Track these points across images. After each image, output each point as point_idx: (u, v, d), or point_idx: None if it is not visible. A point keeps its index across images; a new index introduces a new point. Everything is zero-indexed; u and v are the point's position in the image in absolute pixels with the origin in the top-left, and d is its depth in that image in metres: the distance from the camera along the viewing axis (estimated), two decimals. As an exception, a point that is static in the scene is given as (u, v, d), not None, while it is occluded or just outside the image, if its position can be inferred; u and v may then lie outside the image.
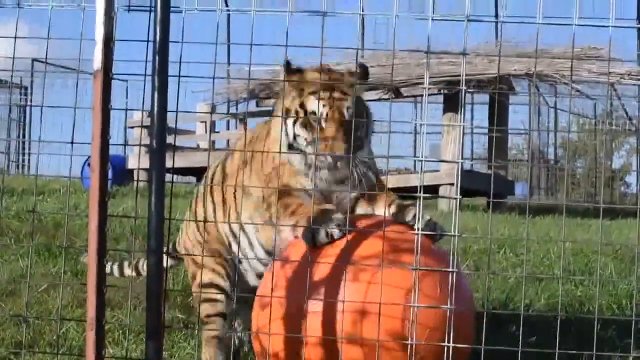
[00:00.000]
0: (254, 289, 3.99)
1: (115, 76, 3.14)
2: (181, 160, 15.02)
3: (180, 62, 3.19)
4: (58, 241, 7.12)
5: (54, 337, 4.59)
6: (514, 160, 24.82)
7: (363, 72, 3.96)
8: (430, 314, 3.30)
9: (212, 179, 4.48)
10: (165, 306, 3.06)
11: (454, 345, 3.12)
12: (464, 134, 17.93)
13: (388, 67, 14.45)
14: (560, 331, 3.29)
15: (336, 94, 3.81)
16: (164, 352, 3.19)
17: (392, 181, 13.63)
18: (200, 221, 4.43)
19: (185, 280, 5.71)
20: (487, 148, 18.30)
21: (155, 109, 3.01)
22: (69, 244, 5.97)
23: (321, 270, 3.41)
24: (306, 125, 3.83)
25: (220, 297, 4.27)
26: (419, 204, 3.42)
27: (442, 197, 13.11)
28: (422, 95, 16.15)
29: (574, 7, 3.16)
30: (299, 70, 3.96)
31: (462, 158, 15.78)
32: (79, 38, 3.34)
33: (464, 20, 3.11)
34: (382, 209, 3.81)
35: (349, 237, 3.47)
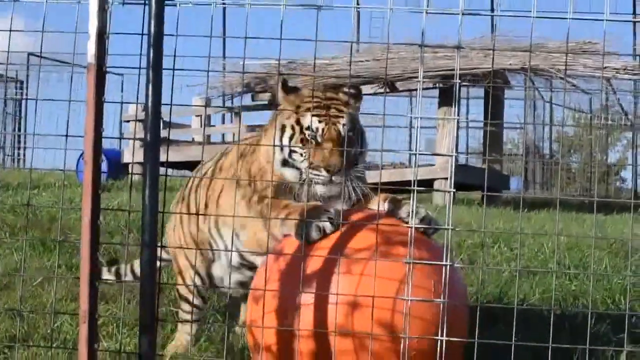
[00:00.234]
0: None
1: (109, 70, 3.14)
2: (176, 154, 15.01)
3: (174, 56, 3.18)
4: (53, 235, 7.12)
5: (48, 331, 4.58)
6: (509, 155, 24.85)
7: (357, 93, 4.04)
8: (422, 308, 3.30)
9: (197, 188, 4.60)
10: (158, 300, 3.06)
11: (447, 339, 3.12)
12: (458, 127, 17.93)
13: (383, 61, 14.45)
14: (554, 325, 3.30)
15: (332, 112, 3.88)
16: (157, 346, 3.19)
17: (387, 176, 13.65)
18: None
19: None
20: (482, 142, 18.31)
21: (150, 102, 3.01)
22: (64, 238, 5.97)
23: (314, 263, 3.41)
24: (302, 141, 3.88)
25: (197, 302, 4.61)
26: (412, 197, 3.42)
27: (436, 190, 13.09)
28: (417, 89, 16.14)
29: (569, 1, 3.17)
30: (295, 89, 4.06)
31: (457, 152, 15.79)
32: (73, 31, 3.34)
33: (458, 14, 3.11)
34: (377, 205, 3.82)
35: (342, 230, 3.47)
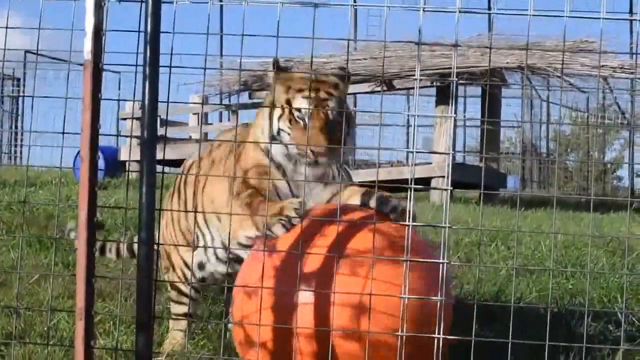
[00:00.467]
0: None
1: (106, 67, 3.14)
2: (173, 152, 14.98)
3: (171, 54, 3.18)
4: (49, 232, 7.12)
5: (45, 328, 4.58)
6: (506, 153, 24.85)
7: (345, 75, 4.11)
8: (391, 302, 3.28)
9: (184, 182, 4.64)
10: (155, 298, 3.06)
11: (443, 337, 3.12)
12: (456, 126, 17.93)
13: (380, 59, 14.45)
14: (551, 323, 3.30)
15: (322, 94, 3.94)
16: (153, 343, 3.19)
17: (384, 174, 13.65)
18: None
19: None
20: (480, 141, 18.32)
21: (146, 100, 3.01)
22: (60, 235, 5.96)
23: (279, 258, 3.44)
24: (290, 120, 3.94)
25: (185, 299, 4.63)
26: (410, 195, 3.42)
27: (433, 188, 13.11)
28: (414, 88, 16.17)
29: (566, 0, 3.17)
30: (287, 69, 4.13)
31: (454, 150, 15.79)
32: (70, 29, 3.34)
33: (455, 12, 3.11)
34: (352, 199, 3.86)
35: (305, 224, 3.50)
